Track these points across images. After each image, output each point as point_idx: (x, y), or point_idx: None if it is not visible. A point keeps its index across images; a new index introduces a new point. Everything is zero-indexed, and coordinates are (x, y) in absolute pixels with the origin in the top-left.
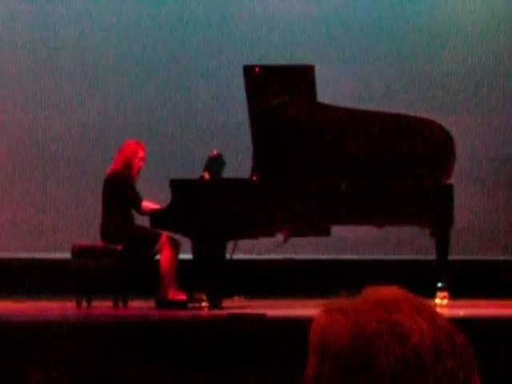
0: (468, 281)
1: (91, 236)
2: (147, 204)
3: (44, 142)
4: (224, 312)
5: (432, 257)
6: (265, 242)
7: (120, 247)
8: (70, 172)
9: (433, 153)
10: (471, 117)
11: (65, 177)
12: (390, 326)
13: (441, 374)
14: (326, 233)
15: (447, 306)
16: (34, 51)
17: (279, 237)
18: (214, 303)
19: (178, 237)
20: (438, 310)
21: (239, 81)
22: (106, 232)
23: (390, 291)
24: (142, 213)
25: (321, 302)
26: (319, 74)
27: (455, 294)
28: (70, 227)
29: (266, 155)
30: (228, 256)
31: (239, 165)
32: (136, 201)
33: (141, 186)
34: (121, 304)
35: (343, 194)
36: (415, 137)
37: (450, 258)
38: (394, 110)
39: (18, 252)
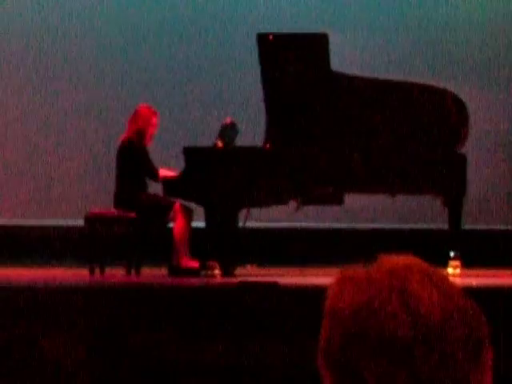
0: (481, 250)
1: (105, 203)
2: (165, 172)
3: (56, 109)
4: (236, 280)
5: (445, 226)
6: (278, 209)
7: (133, 215)
8: (84, 140)
9: (446, 121)
10: (487, 87)
11: (78, 145)
12: (400, 293)
13: (450, 343)
14: (339, 201)
15: (460, 275)
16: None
17: (292, 205)
18: (227, 271)
19: (190, 205)
20: (451, 279)
21: (253, 48)
22: (120, 199)
23: (403, 260)
24: (161, 182)
25: (333, 270)
26: (333, 42)
27: (468, 264)
28: (83, 194)
29: (279, 123)
30: (240, 224)
31: (252, 133)
32: (153, 171)
33: (154, 153)
34: (134, 271)
35: (356, 162)
36: (428, 105)
37: (463, 227)
38: (407, 79)
39: (32, 219)
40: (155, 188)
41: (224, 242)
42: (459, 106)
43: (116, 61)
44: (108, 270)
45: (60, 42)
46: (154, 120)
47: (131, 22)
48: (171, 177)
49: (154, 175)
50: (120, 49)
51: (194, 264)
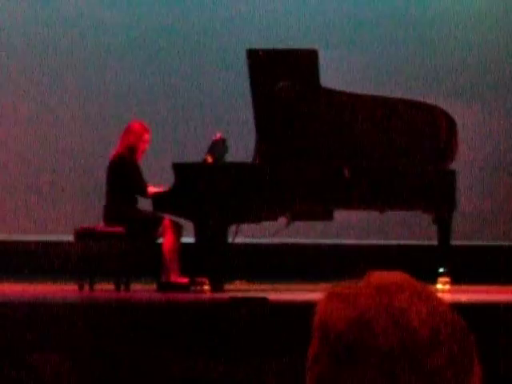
0: (470, 266)
1: (94, 219)
2: (154, 189)
3: (47, 125)
4: (226, 295)
5: (434, 242)
6: (267, 225)
7: (123, 230)
8: (74, 154)
9: (436, 138)
10: (475, 103)
11: (68, 159)
12: (388, 309)
13: (438, 359)
14: (329, 217)
15: (449, 291)
16: (36, 33)
17: (282, 221)
18: (216, 286)
19: (180, 220)
20: (440, 295)
21: (242, 64)
22: (109, 214)
23: (391, 276)
24: (150, 198)
25: (323, 286)
26: (322, 58)
27: (457, 280)
28: (73, 209)
29: (268, 139)
30: (230, 240)
31: (242, 149)
32: (142, 187)
33: (143, 168)
34: (123, 287)
35: (346, 178)
36: (419, 122)
37: (453, 243)
38: (397, 95)
39: (21, 234)
40: (145, 204)
41: (213, 258)
42: (449, 122)
43: (107, 77)
44: (97, 286)
45: (50, 57)
46: (146, 136)
47: (121, 39)
48: (158, 192)
49: (143, 191)
50: (110, 65)
51: (184, 280)
